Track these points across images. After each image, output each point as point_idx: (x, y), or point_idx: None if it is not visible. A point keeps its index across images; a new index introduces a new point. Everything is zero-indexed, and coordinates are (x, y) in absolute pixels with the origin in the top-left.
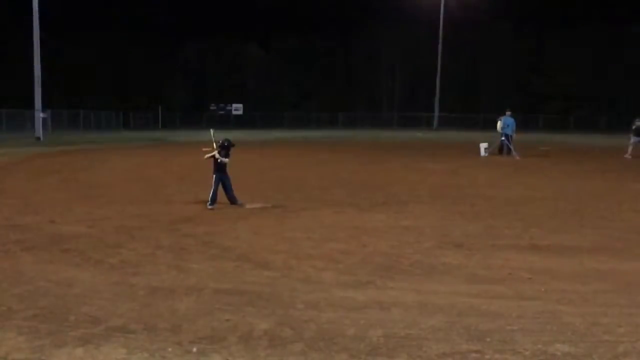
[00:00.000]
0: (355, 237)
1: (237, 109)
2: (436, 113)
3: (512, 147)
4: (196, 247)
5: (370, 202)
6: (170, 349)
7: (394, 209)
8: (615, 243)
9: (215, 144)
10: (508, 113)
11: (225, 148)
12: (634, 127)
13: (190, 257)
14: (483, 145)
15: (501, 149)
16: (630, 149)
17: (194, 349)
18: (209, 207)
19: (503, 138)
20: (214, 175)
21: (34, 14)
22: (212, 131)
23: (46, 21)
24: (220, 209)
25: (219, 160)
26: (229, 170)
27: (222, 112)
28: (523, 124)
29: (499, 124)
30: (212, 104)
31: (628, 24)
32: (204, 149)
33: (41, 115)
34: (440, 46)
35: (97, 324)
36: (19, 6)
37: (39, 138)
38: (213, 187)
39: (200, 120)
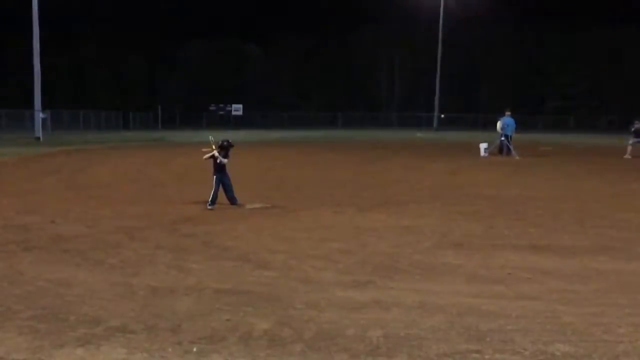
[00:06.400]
0: (355, 237)
1: (237, 109)
2: (436, 113)
3: (511, 147)
4: (196, 247)
5: (370, 202)
6: (170, 349)
7: (394, 209)
8: (615, 243)
9: (215, 145)
10: (508, 113)
11: (225, 148)
12: (633, 128)
13: (190, 257)
14: (483, 146)
15: (501, 149)
16: (629, 149)
17: (194, 349)
18: (209, 207)
19: (503, 138)
20: (214, 176)
21: (33, 13)
22: (211, 137)
23: (46, 21)
24: (220, 209)
25: (218, 161)
26: (228, 170)
27: (221, 113)
28: (523, 124)
29: (499, 124)
30: (212, 104)
31: (628, 24)
32: (203, 150)
33: (41, 115)
34: (439, 46)
35: (97, 324)
36: (19, 6)
37: (39, 138)
38: (214, 187)
39: (200, 121)
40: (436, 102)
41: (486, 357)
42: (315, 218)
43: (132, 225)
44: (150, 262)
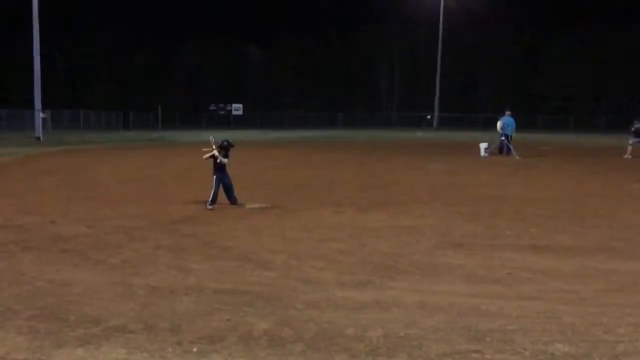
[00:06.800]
0: (355, 237)
1: (237, 109)
2: (436, 113)
3: (511, 147)
4: (196, 247)
5: (370, 202)
6: (170, 349)
7: (394, 209)
8: (615, 243)
9: (215, 145)
10: (508, 113)
11: (225, 148)
12: (633, 128)
13: (190, 257)
14: (483, 145)
15: (501, 149)
16: (629, 149)
17: (194, 349)
18: (209, 207)
19: (503, 138)
20: (214, 176)
21: (33, 14)
22: (211, 137)
23: (46, 21)
24: (220, 209)
25: (218, 161)
26: (228, 170)
27: (221, 113)
28: (523, 124)
29: (499, 124)
30: (212, 104)
31: (627, 23)
32: (203, 149)
33: (41, 115)
34: (440, 46)
35: (97, 324)
36: (19, 6)
37: (39, 138)
38: (214, 187)
39: (200, 121)
40: (436, 102)
41: (486, 357)
42: (315, 218)
43: (132, 225)
44: (150, 262)
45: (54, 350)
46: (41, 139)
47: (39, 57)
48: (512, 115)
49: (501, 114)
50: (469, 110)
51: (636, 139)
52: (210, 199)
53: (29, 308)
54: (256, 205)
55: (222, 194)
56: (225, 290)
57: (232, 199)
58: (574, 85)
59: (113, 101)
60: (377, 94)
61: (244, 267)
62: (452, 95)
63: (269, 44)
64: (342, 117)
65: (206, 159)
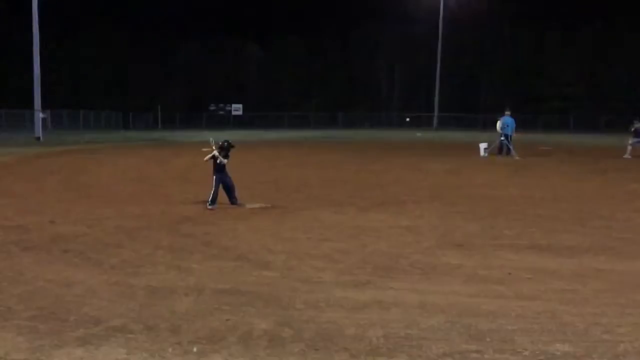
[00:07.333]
0: (355, 237)
1: (237, 109)
2: (436, 113)
3: (511, 147)
4: (196, 247)
5: (370, 202)
6: (170, 349)
7: (394, 209)
8: (615, 243)
9: (215, 146)
10: (507, 113)
11: (225, 149)
12: (632, 128)
13: (190, 257)
14: (483, 145)
15: (501, 149)
16: (629, 149)
17: (194, 349)
18: (209, 207)
19: (502, 138)
20: (214, 176)
21: (33, 13)
22: (211, 139)
23: (46, 21)
24: (220, 209)
25: (218, 161)
26: (228, 170)
27: (221, 113)
28: (523, 124)
29: (499, 124)
30: (212, 104)
31: (628, 23)
32: (203, 150)
33: (41, 115)
34: (439, 46)
35: (97, 324)
36: (19, 5)
37: (39, 138)
38: (214, 187)
39: (200, 121)
40: (436, 102)
41: (486, 357)
42: (315, 218)
43: (131, 225)
44: (150, 262)
45: (54, 350)
46: (41, 139)
47: (38, 57)
48: (512, 115)
49: (501, 113)
50: (469, 110)
51: (636, 139)
52: (210, 199)
53: (29, 308)
54: (256, 205)
55: (222, 194)
56: (225, 290)
57: (232, 200)
58: (574, 85)
59: (113, 101)
60: (377, 94)
61: (243, 267)
62: (452, 95)
63: (269, 44)
64: (342, 117)
65: (206, 160)
